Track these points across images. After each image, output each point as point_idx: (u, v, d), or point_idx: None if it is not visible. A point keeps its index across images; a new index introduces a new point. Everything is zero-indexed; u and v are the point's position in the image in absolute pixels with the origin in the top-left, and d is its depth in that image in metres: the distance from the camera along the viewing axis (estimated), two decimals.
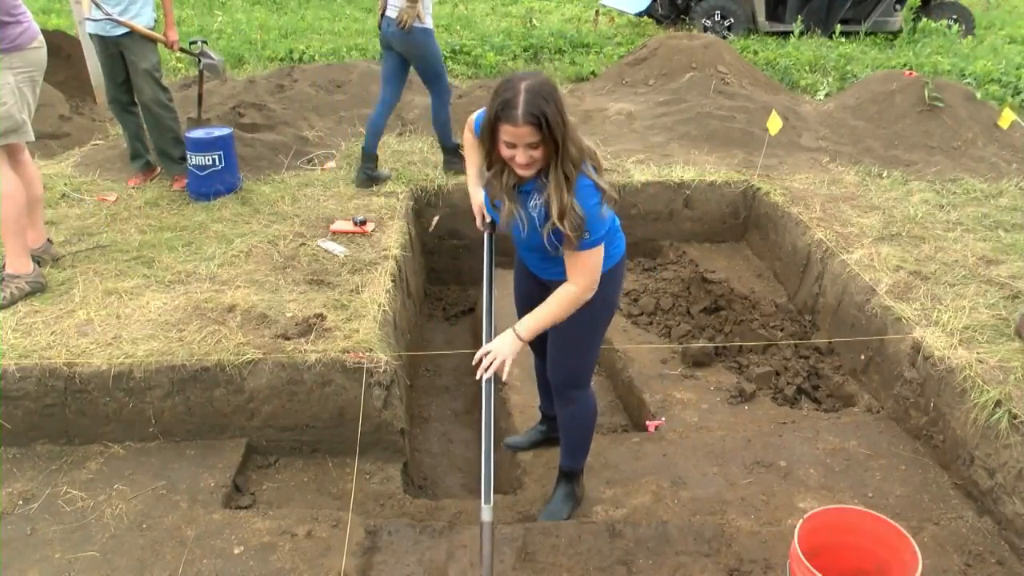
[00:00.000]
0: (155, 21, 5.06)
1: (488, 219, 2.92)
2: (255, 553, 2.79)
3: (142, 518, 2.95)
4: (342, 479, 3.34)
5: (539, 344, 3.06)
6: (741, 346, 4.26)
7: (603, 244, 2.53)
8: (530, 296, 2.90)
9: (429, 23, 5.12)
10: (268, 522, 2.94)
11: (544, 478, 3.33)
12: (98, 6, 4.77)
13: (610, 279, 2.72)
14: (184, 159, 5.18)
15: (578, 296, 2.56)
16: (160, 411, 3.33)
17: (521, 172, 2.43)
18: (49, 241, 4.23)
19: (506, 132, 2.34)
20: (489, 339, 2.66)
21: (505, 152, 2.40)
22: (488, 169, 2.57)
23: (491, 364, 2.53)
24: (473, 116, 2.83)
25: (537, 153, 2.36)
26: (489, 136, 2.42)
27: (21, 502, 3.02)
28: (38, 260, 4.05)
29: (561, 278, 2.60)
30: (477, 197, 2.96)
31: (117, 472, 3.20)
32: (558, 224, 2.39)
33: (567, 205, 2.37)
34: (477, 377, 2.56)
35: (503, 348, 2.56)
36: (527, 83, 2.30)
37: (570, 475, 3.17)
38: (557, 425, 3.17)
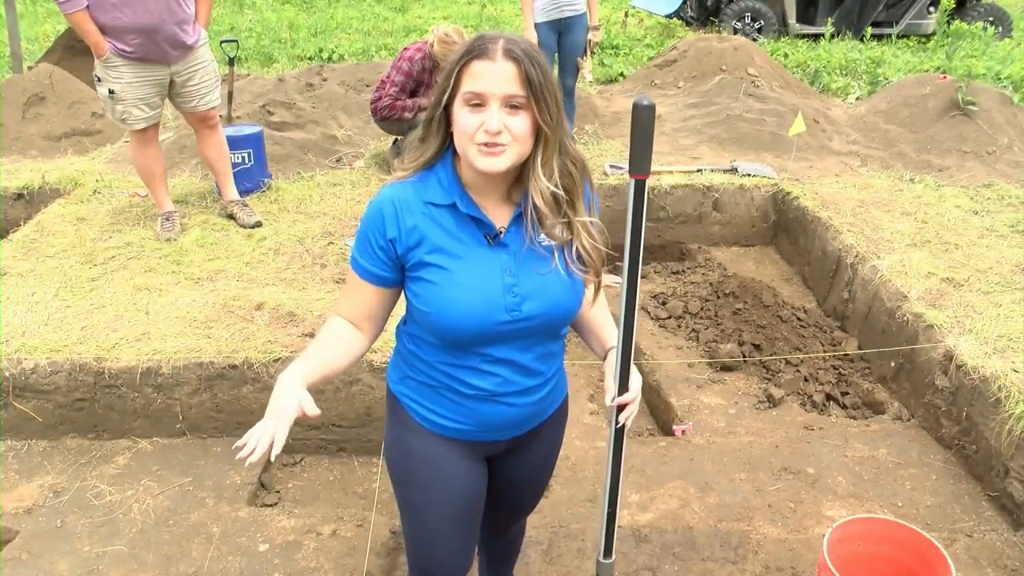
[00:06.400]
0: None
1: None
2: (280, 551, 2.80)
3: (169, 514, 2.98)
4: (367, 478, 3.35)
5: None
6: (769, 351, 4.22)
7: None
8: (475, 496, 1.96)
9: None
10: (293, 520, 2.95)
11: (570, 481, 3.31)
12: None
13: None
14: None
15: None
16: (188, 407, 3.36)
17: (487, 157, 1.56)
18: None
19: (474, 75, 1.54)
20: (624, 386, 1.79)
21: (465, 121, 1.56)
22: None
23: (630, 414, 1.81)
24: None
25: (517, 122, 1.55)
26: (447, 93, 1.59)
27: (51, 495, 3.06)
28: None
29: (536, 407, 1.87)
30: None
31: (145, 467, 3.23)
32: (576, 264, 1.71)
33: (585, 222, 1.68)
34: (619, 425, 1.81)
35: (639, 390, 1.83)
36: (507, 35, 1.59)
37: None
38: None
